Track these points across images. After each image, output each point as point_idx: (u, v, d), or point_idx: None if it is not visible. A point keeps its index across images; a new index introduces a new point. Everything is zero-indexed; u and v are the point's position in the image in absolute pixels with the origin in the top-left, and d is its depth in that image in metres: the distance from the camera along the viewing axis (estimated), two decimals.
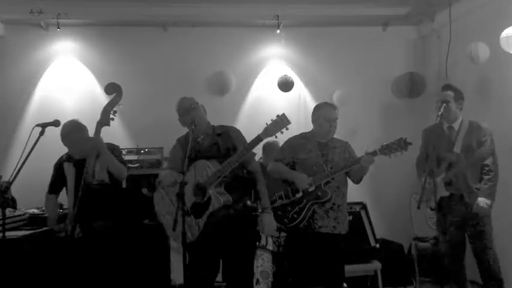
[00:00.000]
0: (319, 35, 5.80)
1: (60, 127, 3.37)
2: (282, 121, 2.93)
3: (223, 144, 3.23)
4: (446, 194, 3.73)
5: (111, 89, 3.19)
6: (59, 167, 3.72)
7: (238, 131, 3.37)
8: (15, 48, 5.44)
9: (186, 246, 2.83)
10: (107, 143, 3.63)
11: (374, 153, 3.36)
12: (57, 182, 3.76)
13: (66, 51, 5.53)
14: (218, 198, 3.04)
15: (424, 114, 5.55)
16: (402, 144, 3.29)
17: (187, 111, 3.23)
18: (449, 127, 3.81)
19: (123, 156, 3.85)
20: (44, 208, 4.47)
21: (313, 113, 3.69)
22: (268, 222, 3.24)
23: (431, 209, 3.79)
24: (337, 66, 5.80)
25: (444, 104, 3.49)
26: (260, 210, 3.36)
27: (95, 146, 3.28)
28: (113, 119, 3.24)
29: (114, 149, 3.65)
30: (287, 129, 2.95)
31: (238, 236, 3.15)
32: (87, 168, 3.22)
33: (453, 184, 3.71)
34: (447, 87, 3.81)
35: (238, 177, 3.20)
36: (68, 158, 3.68)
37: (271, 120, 2.95)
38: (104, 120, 3.21)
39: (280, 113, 2.96)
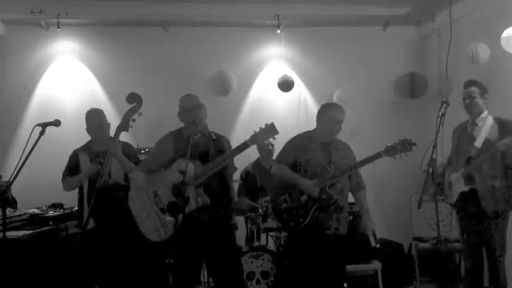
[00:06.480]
0: (319, 35, 5.80)
1: (62, 125, 3.38)
2: (269, 130, 2.96)
3: (214, 149, 3.27)
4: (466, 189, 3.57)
5: (133, 98, 3.48)
6: (73, 155, 3.91)
7: (229, 143, 3.43)
8: (15, 48, 5.43)
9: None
10: (123, 142, 3.81)
11: (378, 155, 3.35)
12: (71, 169, 3.89)
13: (66, 51, 5.53)
14: (196, 199, 3.05)
15: (425, 114, 5.56)
16: (406, 145, 3.29)
17: (190, 109, 3.25)
18: (472, 122, 3.66)
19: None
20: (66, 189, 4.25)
21: (320, 112, 3.64)
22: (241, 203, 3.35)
23: (451, 205, 3.76)
24: (337, 66, 5.80)
25: (445, 104, 3.48)
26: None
27: (111, 148, 3.46)
28: (131, 126, 3.49)
29: (129, 151, 3.83)
30: (274, 138, 2.99)
31: (216, 238, 3.18)
32: (103, 168, 3.42)
33: (473, 179, 3.54)
34: (471, 83, 3.64)
35: (218, 182, 3.22)
36: (84, 148, 3.89)
37: (260, 128, 2.98)
38: (124, 125, 3.46)
39: (269, 121, 2.98)
